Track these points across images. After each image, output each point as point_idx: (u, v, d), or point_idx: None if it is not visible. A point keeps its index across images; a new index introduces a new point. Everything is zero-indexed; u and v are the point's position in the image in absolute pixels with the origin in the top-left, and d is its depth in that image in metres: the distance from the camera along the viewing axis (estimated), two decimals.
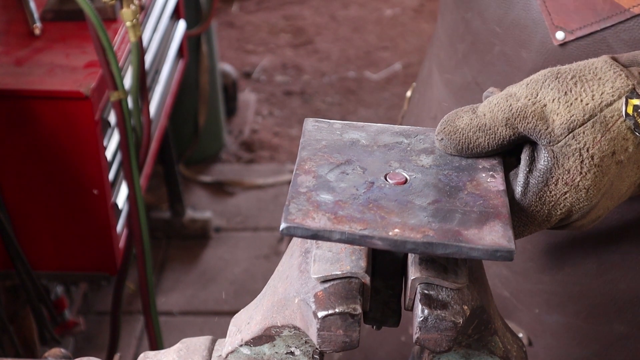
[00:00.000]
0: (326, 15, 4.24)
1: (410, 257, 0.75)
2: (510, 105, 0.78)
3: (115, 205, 1.78)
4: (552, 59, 1.00)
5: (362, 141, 0.82)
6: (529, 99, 0.78)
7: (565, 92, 0.77)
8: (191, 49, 2.84)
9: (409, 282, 0.73)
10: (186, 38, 2.38)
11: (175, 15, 2.27)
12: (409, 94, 1.33)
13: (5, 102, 1.63)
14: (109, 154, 1.73)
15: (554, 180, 0.77)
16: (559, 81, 0.78)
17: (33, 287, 1.79)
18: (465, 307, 0.72)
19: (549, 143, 0.77)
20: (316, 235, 0.70)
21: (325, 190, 0.74)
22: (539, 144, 0.78)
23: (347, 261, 0.74)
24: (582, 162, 0.76)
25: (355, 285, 0.73)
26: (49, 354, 0.99)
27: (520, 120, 0.77)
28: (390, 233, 0.70)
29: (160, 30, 2.08)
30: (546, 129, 0.76)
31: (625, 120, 0.76)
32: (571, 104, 0.77)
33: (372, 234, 0.70)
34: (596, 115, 0.76)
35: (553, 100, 0.77)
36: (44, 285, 1.90)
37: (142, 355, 0.86)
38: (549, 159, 0.77)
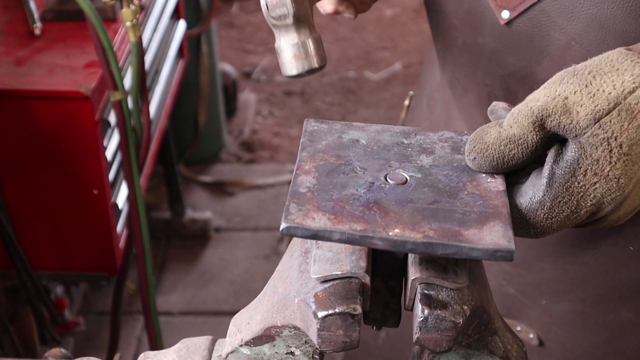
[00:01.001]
0: (326, 15, 4.24)
1: (410, 257, 0.75)
2: (531, 107, 0.77)
3: (115, 205, 1.78)
4: (503, 39, 1.03)
5: (362, 141, 0.82)
6: (548, 96, 0.77)
7: (586, 85, 0.76)
8: (191, 49, 2.84)
9: (409, 282, 0.73)
10: (186, 38, 2.38)
11: (175, 15, 2.27)
12: (407, 102, 1.35)
13: (5, 102, 1.63)
14: (109, 154, 1.73)
15: (582, 171, 0.76)
16: (576, 77, 0.77)
17: (33, 287, 1.79)
18: (465, 307, 0.72)
19: (576, 136, 0.76)
20: (316, 235, 0.70)
21: (325, 191, 0.74)
22: (566, 138, 0.77)
23: (347, 261, 0.74)
24: (610, 151, 0.75)
25: (355, 286, 0.73)
26: (49, 354, 0.99)
27: (544, 119, 0.76)
28: (390, 233, 0.70)
29: (160, 30, 2.08)
30: (570, 122, 0.76)
31: None
32: (594, 94, 0.76)
33: (372, 234, 0.70)
34: (620, 104, 0.75)
35: (575, 92, 0.76)
36: (44, 285, 1.90)
37: (142, 355, 0.86)
38: (576, 149, 0.76)
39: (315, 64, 0.99)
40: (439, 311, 0.71)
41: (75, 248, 1.80)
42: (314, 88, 3.74)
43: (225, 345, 0.82)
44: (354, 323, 0.71)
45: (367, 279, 0.73)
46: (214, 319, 2.67)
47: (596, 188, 0.76)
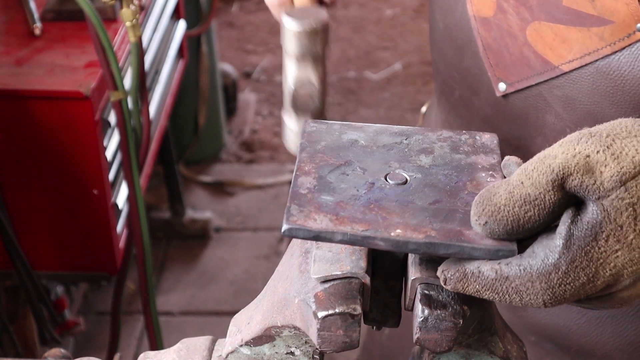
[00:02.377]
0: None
1: (411, 258, 0.75)
2: (550, 165, 0.70)
3: (115, 205, 1.78)
4: (499, 109, 1.01)
5: (361, 142, 0.82)
6: (567, 154, 0.70)
7: (607, 146, 0.70)
8: (191, 49, 2.84)
9: (409, 282, 0.73)
10: (186, 38, 2.38)
11: (175, 15, 2.27)
12: (424, 109, 1.34)
13: (5, 102, 1.63)
14: (109, 154, 1.73)
15: (604, 236, 0.69)
16: (595, 138, 0.71)
17: (33, 287, 1.79)
18: (466, 308, 0.72)
19: (598, 198, 0.69)
20: (318, 237, 0.70)
21: (326, 191, 0.74)
22: (586, 200, 0.70)
23: (347, 261, 0.74)
24: (635, 217, 0.69)
25: (355, 286, 0.73)
26: (49, 354, 0.99)
27: (565, 178, 0.69)
28: (392, 234, 0.70)
29: (160, 30, 2.08)
30: (594, 183, 0.69)
31: None
32: (617, 156, 0.69)
33: (374, 235, 0.70)
34: None
35: (597, 152, 0.70)
36: (44, 285, 1.90)
37: (142, 355, 0.86)
38: (599, 212, 0.69)
39: None
40: (439, 311, 0.71)
41: (75, 248, 1.80)
42: None
43: (225, 345, 0.82)
44: (354, 323, 0.71)
45: (367, 279, 0.73)
46: (214, 319, 2.67)
47: (617, 256, 0.69)
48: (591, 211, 0.69)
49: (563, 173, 0.69)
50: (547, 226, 0.71)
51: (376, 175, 0.77)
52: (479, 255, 0.70)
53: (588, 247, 0.69)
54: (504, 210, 0.70)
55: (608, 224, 0.69)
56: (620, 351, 1.03)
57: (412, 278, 0.73)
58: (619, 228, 0.69)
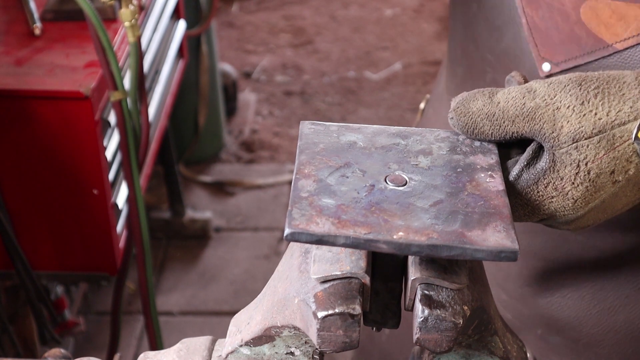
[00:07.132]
0: (326, 15, 4.24)
1: (410, 258, 0.75)
2: (524, 103, 0.78)
3: (115, 205, 1.78)
4: None
5: (359, 143, 0.82)
6: (544, 100, 0.78)
7: (583, 102, 0.77)
8: (191, 49, 2.84)
9: (409, 282, 0.73)
10: (186, 38, 2.38)
11: (175, 15, 2.27)
12: (422, 105, 1.33)
13: (5, 102, 1.63)
14: (109, 154, 1.73)
15: (545, 183, 0.78)
16: (580, 88, 0.78)
17: (33, 287, 1.79)
18: (466, 308, 0.72)
19: (552, 147, 0.77)
20: (321, 241, 0.70)
21: (326, 194, 0.74)
22: (543, 145, 0.78)
23: (347, 261, 0.74)
24: (577, 173, 0.77)
25: (355, 286, 0.73)
26: (49, 354, 0.99)
27: (527, 121, 0.77)
28: (394, 236, 0.70)
29: (160, 30, 2.08)
30: (551, 133, 0.77)
31: (633, 143, 0.76)
32: (584, 114, 0.76)
33: (376, 238, 0.70)
34: (605, 132, 0.76)
35: (568, 106, 0.77)
36: (44, 285, 1.90)
37: (142, 355, 0.86)
38: (548, 161, 0.77)
39: None
40: (439, 311, 0.71)
41: (75, 248, 1.80)
42: (314, 88, 3.74)
43: (225, 346, 0.82)
44: (353, 323, 0.71)
45: (367, 279, 0.73)
46: (214, 319, 2.67)
47: (552, 202, 0.79)
48: (543, 159, 0.78)
49: (528, 114, 0.78)
50: (495, 142, 0.81)
51: (376, 177, 0.77)
52: (481, 257, 0.70)
53: (529, 189, 0.79)
54: (469, 116, 0.80)
55: (551, 173, 0.78)
56: (633, 338, 1.04)
57: (412, 278, 0.73)
58: (559, 179, 0.77)
